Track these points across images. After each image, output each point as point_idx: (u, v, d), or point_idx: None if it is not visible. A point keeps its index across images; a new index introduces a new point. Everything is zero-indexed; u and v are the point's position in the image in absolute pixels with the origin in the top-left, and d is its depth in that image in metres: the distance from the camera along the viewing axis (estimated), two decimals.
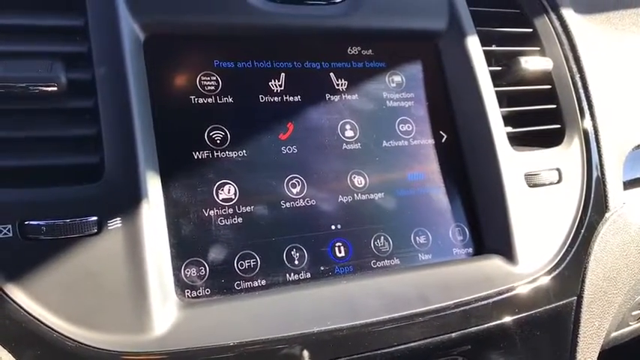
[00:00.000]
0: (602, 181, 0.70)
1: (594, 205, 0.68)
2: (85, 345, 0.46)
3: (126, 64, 0.52)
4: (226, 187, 0.55)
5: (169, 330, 0.48)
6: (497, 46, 0.72)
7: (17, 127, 0.50)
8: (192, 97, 0.56)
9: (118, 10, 0.54)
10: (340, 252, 0.58)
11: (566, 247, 0.65)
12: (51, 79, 0.50)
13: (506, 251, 0.62)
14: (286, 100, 0.60)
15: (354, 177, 0.60)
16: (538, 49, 0.74)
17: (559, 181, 0.68)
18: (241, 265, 0.54)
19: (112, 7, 0.54)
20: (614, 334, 0.80)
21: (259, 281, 0.54)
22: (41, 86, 0.50)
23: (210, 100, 0.57)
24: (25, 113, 0.51)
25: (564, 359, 0.65)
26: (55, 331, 0.46)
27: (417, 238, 0.61)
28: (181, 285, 0.52)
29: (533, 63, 0.70)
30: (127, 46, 0.53)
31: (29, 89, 0.49)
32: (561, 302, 0.63)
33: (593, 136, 0.71)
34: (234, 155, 0.56)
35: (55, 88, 0.50)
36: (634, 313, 0.82)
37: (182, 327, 0.49)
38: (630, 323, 0.84)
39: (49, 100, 0.51)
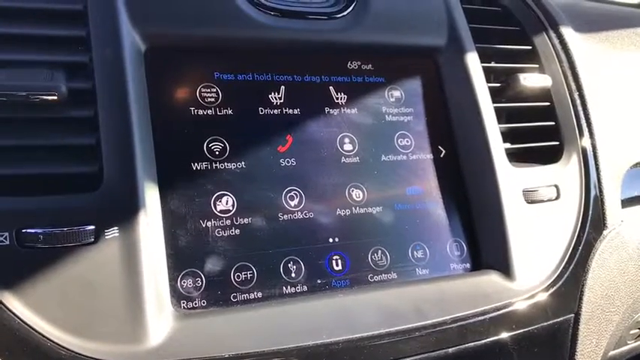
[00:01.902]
0: (600, 199, 0.70)
1: (592, 223, 0.68)
2: (80, 354, 0.46)
3: (126, 74, 0.53)
4: (224, 199, 0.55)
5: (164, 341, 0.48)
6: (496, 63, 0.72)
7: (17, 136, 0.50)
8: (192, 108, 0.57)
9: (119, 21, 0.54)
10: (337, 265, 0.58)
11: (563, 263, 0.65)
12: (51, 88, 0.50)
13: (504, 267, 0.62)
14: (286, 112, 0.60)
15: (353, 190, 0.61)
16: (537, 66, 0.75)
17: (557, 198, 0.68)
18: (238, 276, 0.54)
19: (114, 18, 0.54)
20: (612, 353, 0.80)
21: (256, 293, 0.54)
22: (42, 95, 0.50)
23: (210, 111, 0.57)
24: (25, 122, 0.51)
25: None
26: (50, 340, 0.46)
27: (415, 252, 0.61)
28: (177, 296, 0.51)
29: (532, 80, 0.71)
30: (127, 57, 0.53)
31: (30, 98, 0.50)
32: (559, 319, 0.63)
33: (592, 153, 0.71)
34: (233, 167, 0.57)
35: (56, 98, 0.50)
36: (632, 331, 0.82)
37: (177, 338, 0.48)
38: (628, 342, 0.83)
39: (49, 109, 0.51)
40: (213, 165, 0.56)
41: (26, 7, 0.54)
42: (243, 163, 0.57)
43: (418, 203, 0.63)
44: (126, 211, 0.50)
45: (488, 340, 0.58)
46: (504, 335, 0.59)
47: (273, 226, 0.56)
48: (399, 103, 0.66)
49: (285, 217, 0.57)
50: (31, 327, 0.45)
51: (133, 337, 0.47)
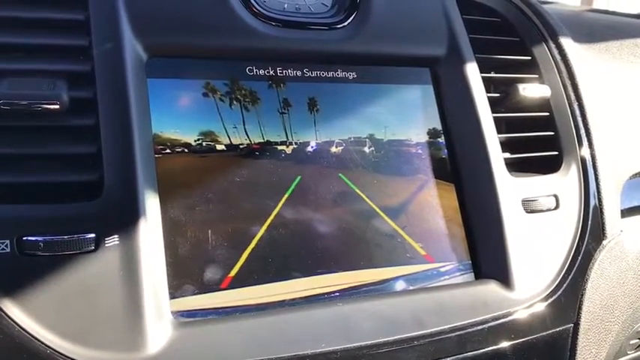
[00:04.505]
0: (599, 209, 0.70)
1: (591, 232, 0.68)
2: None
3: (128, 83, 0.53)
4: (224, 208, 0.55)
5: (163, 349, 0.48)
6: (496, 73, 0.73)
7: (18, 144, 0.50)
8: (194, 117, 0.57)
9: (121, 30, 0.54)
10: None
11: (562, 273, 0.65)
12: (53, 97, 0.50)
13: (503, 277, 0.62)
14: (286, 120, 0.60)
15: (352, 201, 0.61)
16: (536, 76, 0.75)
17: (556, 208, 0.68)
18: (237, 285, 0.54)
19: (116, 28, 0.54)
20: None
21: (255, 302, 0.54)
22: (43, 104, 0.50)
23: (211, 120, 0.57)
24: (27, 130, 0.51)
25: None
26: (49, 347, 0.46)
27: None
28: (177, 304, 0.51)
29: (531, 90, 0.71)
30: (129, 66, 0.54)
31: (31, 107, 0.50)
32: (558, 329, 0.63)
33: (591, 163, 0.71)
34: (234, 176, 0.57)
35: (57, 106, 0.50)
36: (632, 342, 0.81)
37: (176, 346, 0.48)
38: (628, 352, 0.83)
39: (50, 117, 0.51)
40: (214, 175, 0.56)
41: (28, 16, 0.54)
42: (243, 171, 0.57)
43: (417, 213, 0.63)
44: (126, 220, 0.50)
45: (487, 349, 0.58)
46: (503, 345, 0.59)
47: (272, 235, 0.56)
48: (398, 113, 0.66)
49: (285, 227, 0.57)
50: (30, 334, 0.46)
51: (132, 344, 0.47)
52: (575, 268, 0.66)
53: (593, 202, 0.70)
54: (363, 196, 0.61)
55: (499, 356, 0.59)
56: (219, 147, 0.57)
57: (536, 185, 0.68)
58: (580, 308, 0.65)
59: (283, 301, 0.55)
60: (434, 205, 0.64)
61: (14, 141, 0.51)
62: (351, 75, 0.65)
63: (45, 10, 0.55)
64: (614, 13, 1.25)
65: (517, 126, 0.72)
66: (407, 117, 0.66)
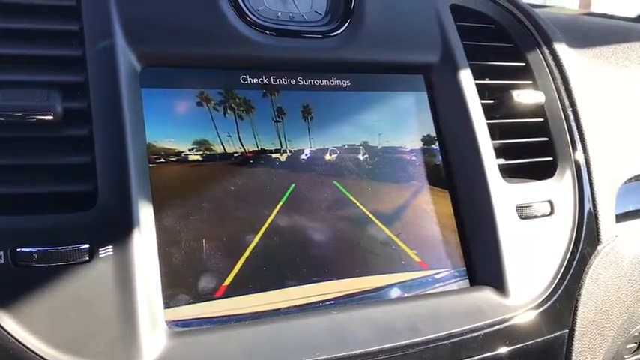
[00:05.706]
0: (594, 214, 0.70)
1: (586, 238, 0.68)
2: None
3: (122, 94, 0.53)
4: (218, 217, 0.56)
5: (158, 358, 0.48)
6: (489, 80, 0.73)
7: (13, 155, 0.51)
8: (188, 127, 0.57)
9: (115, 41, 0.55)
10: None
11: (557, 279, 0.65)
12: (47, 108, 0.50)
13: (498, 283, 0.62)
14: (280, 128, 0.61)
15: (346, 209, 0.61)
16: (530, 82, 0.75)
17: (551, 214, 0.68)
18: (231, 294, 0.54)
19: (110, 39, 0.55)
20: None
21: (249, 311, 0.54)
22: (38, 115, 0.50)
23: (205, 130, 0.58)
24: (21, 141, 0.51)
25: None
26: (44, 358, 0.46)
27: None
28: (171, 314, 0.52)
29: (525, 96, 0.71)
30: (123, 77, 0.54)
31: (26, 118, 0.50)
32: (553, 335, 0.63)
33: (585, 168, 0.71)
34: (228, 185, 0.57)
35: (51, 117, 0.51)
36: (628, 346, 0.81)
37: (171, 356, 0.49)
38: (625, 356, 0.83)
39: (45, 128, 0.51)
40: (208, 184, 0.56)
41: (22, 27, 0.54)
42: (237, 180, 0.57)
43: (411, 220, 0.64)
44: (120, 230, 0.50)
45: (481, 356, 0.58)
46: (498, 351, 0.59)
47: (266, 244, 0.57)
48: (392, 120, 0.66)
49: (279, 235, 0.57)
50: (25, 345, 0.46)
51: (127, 355, 0.48)
52: (569, 274, 0.66)
53: (587, 207, 0.70)
54: (358, 204, 0.62)
55: None
56: (213, 156, 0.57)
57: (531, 191, 0.68)
58: (575, 314, 0.65)
59: (278, 309, 0.55)
60: (428, 211, 0.65)
61: (8, 152, 0.51)
62: (345, 83, 0.65)
63: (39, 21, 0.55)
64: (611, 16, 1.25)
65: (511, 132, 0.72)
66: (401, 124, 0.66)
